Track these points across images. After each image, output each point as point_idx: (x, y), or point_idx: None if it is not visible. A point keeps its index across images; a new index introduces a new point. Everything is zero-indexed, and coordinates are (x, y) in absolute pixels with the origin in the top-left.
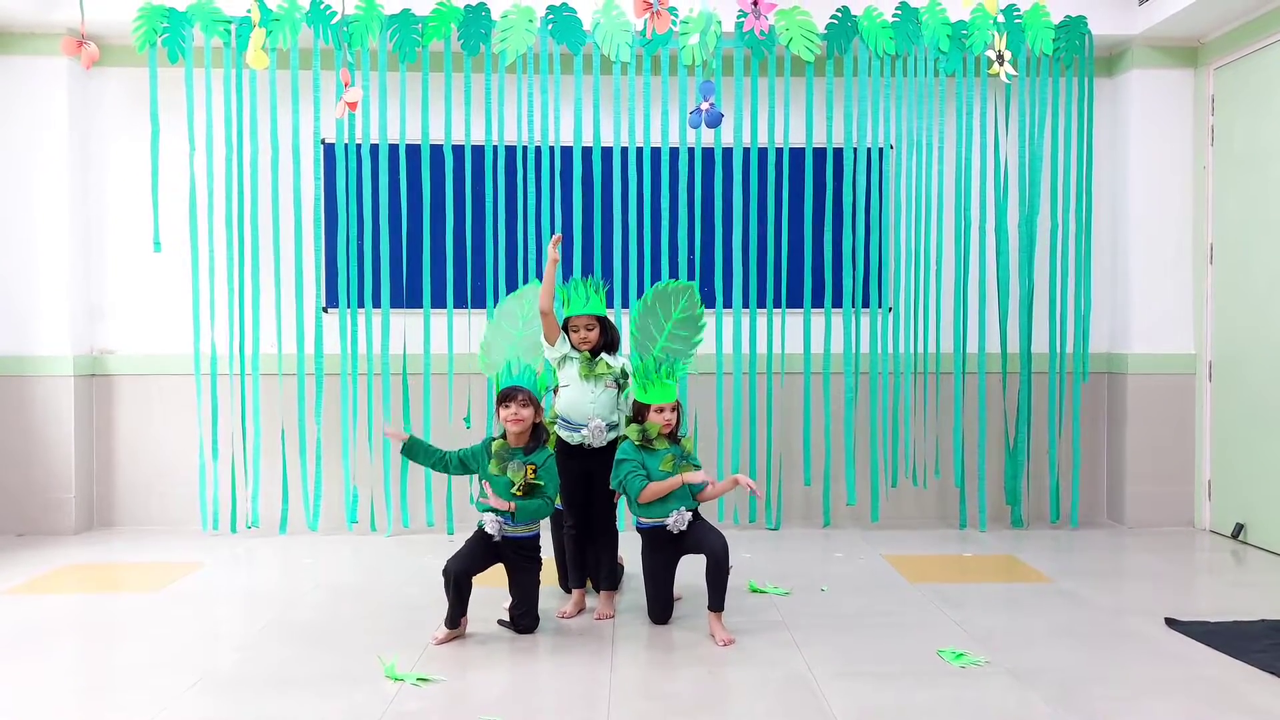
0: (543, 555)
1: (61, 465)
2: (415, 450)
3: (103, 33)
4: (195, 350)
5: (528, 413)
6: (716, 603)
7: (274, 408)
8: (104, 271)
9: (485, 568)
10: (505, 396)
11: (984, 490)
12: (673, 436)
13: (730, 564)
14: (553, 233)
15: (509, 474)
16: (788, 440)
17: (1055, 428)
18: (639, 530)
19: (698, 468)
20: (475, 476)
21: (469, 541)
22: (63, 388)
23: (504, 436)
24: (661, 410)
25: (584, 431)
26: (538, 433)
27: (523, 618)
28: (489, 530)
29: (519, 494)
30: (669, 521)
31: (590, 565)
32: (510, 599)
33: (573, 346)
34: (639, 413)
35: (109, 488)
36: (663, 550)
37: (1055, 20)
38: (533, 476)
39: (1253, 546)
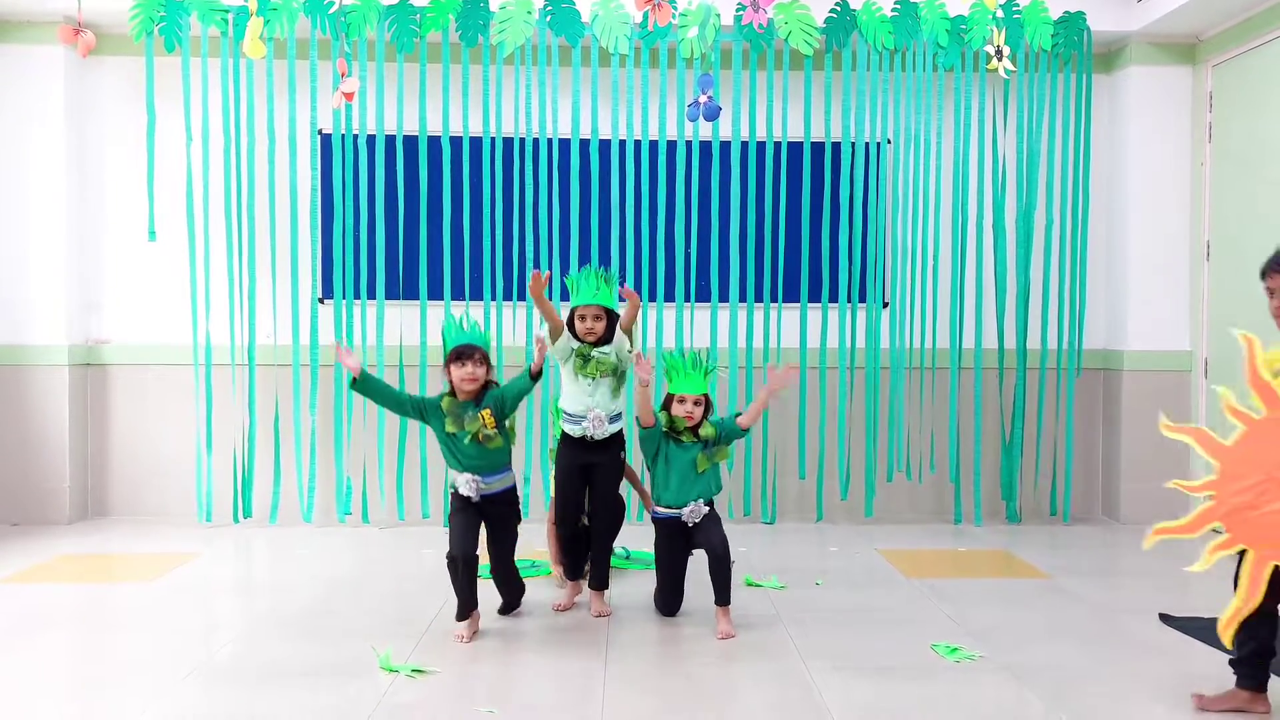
0: (541, 549)
1: (56, 455)
2: (369, 387)
3: (99, 21)
4: (193, 340)
5: (482, 371)
6: (722, 598)
7: (269, 398)
8: (99, 261)
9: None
10: (461, 355)
11: (979, 485)
12: (698, 431)
13: (732, 559)
14: (550, 226)
15: (467, 427)
16: (783, 434)
17: (1051, 424)
18: (654, 520)
19: (726, 456)
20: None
21: (455, 520)
22: (57, 377)
23: (450, 393)
24: (684, 401)
25: (585, 424)
26: (485, 384)
27: (507, 583)
28: (465, 492)
29: (483, 443)
30: (684, 512)
31: (593, 556)
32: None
33: (574, 336)
34: (667, 402)
35: (103, 478)
36: (676, 541)
37: (1054, 16)
38: (491, 422)
39: None
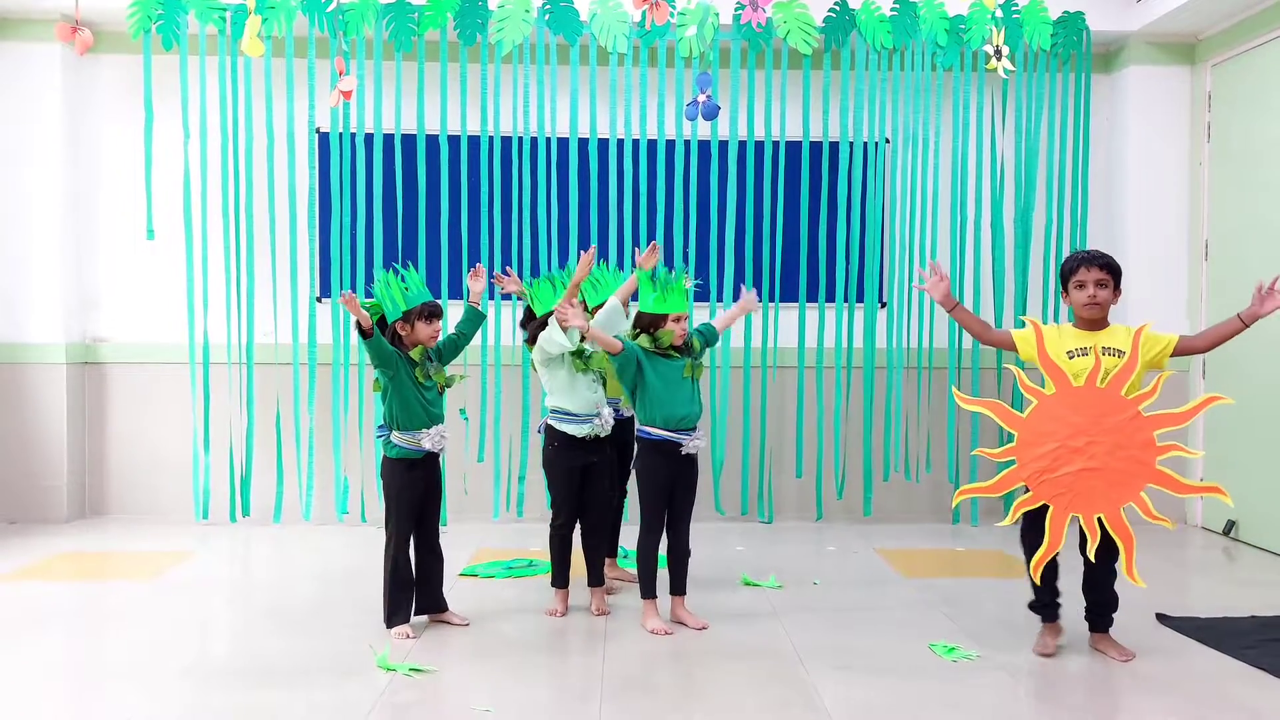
0: (538, 548)
1: (54, 453)
2: (374, 340)
3: (97, 19)
4: (190, 339)
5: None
6: (679, 587)
7: (267, 397)
8: (97, 259)
9: None
10: (434, 313)
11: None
12: (684, 348)
13: (688, 549)
14: (548, 225)
15: (433, 376)
16: (780, 434)
17: None
18: (642, 439)
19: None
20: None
21: (395, 504)
22: (55, 376)
23: (400, 344)
24: (680, 320)
25: (596, 422)
26: None
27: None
28: (431, 446)
29: (442, 392)
30: (685, 443)
31: (590, 554)
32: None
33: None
34: (652, 323)
35: (101, 476)
36: (666, 464)
37: (1053, 16)
38: (443, 373)
39: (1244, 544)
